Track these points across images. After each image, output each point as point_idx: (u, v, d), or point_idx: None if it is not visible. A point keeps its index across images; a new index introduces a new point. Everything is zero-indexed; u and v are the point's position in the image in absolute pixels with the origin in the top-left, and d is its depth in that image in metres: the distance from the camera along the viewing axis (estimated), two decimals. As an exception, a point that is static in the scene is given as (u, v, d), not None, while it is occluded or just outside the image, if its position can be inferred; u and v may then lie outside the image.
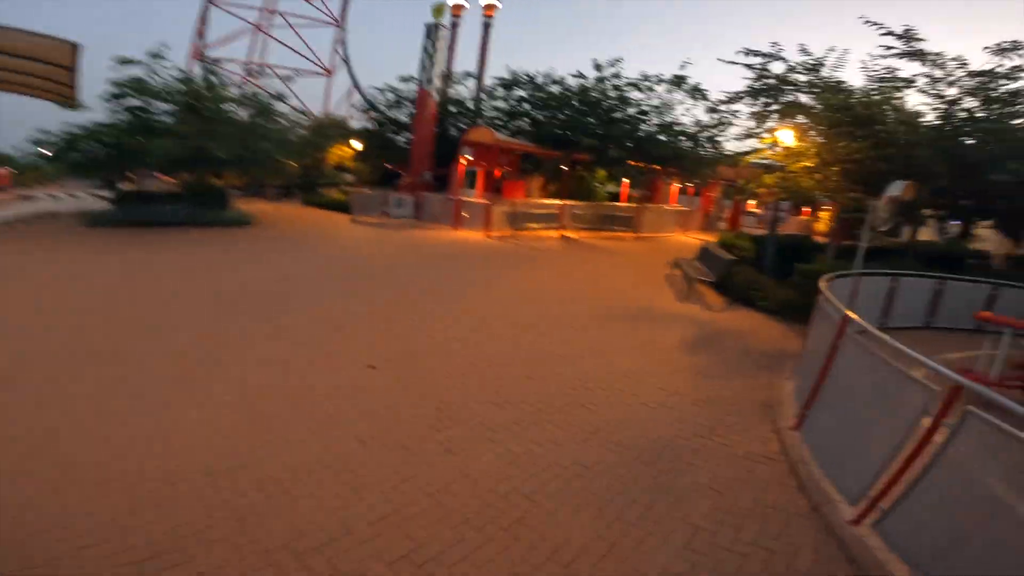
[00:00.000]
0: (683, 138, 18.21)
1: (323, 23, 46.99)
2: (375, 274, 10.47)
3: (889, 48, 10.18)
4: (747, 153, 13.10)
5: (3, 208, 15.74)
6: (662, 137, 17.99)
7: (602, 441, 4.54)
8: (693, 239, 21.61)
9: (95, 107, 14.04)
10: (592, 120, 17.93)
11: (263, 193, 24.77)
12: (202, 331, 6.43)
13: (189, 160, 14.18)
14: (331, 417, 4.54)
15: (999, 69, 9.48)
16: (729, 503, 3.81)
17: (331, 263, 11.28)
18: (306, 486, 3.55)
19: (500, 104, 22.07)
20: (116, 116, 13.97)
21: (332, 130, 26.85)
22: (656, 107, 18.14)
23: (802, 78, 10.80)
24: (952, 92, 10.16)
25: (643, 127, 18.22)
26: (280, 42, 45.70)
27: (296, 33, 45.92)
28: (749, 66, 11.19)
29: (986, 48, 9.19)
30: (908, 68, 10.10)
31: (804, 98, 10.65)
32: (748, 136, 12.32)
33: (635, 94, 18.22)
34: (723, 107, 13.07)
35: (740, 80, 11.40)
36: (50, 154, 14.17)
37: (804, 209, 29.89)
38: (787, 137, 10.33)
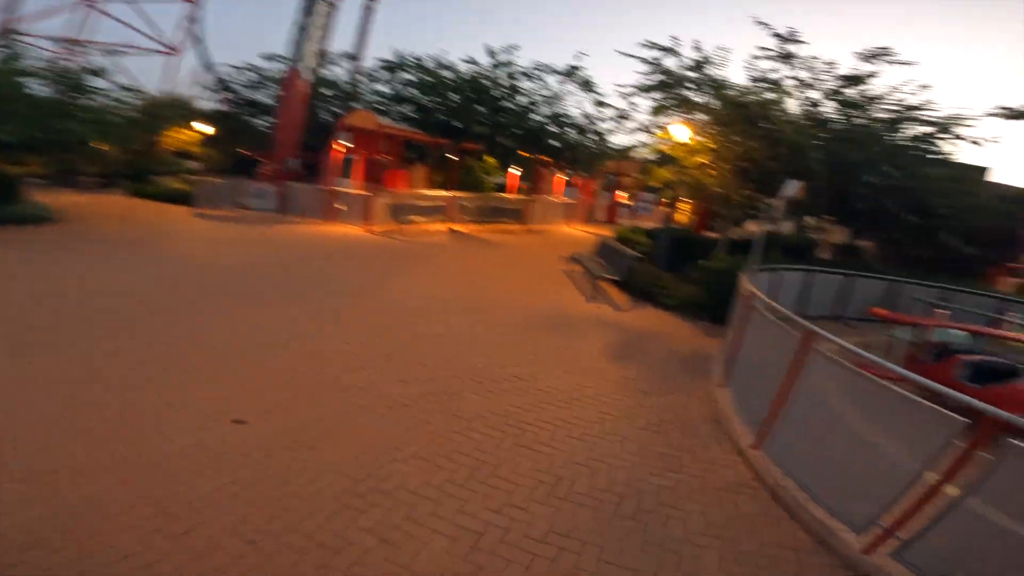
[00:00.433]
0: (572, 129, 18.15)
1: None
2: (222, 286, 8.13)
3: (764, 49, 10.74)
4: (636, 147, 13.25)
5: None
6: (553, 128, 17.74)
7: (566, 496, 3.79)
8: (580, 232, 21.94)
9: None
10: (482, 108, 17.07)
11: (76, 183, 20.09)
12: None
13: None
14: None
15: (853, 74, 10.39)
16: (733, 550, 3.39)
17: (162, 271, 8.63)
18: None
19: (383, 88, 20.28)
20: None
21: (170, 111, 22.69)
22: (547, 97, 17.81)
23: (691, 74, 11.02)
24: (815, 95, 11.02)
25: (534, 116, 17.80)
26: (114, 17, 38.18)
27: (134, 8, 38.45)
28: (643, 59, 11.18)
29: (856, 53, 10.04)
30: (784, 70, 10.55)
31: (695, 95, 10.87)
32: (640, 130, 12.43)
33: (527, 83, 17.73)
34: (623, 100, 13.02)
35: (635, 74, 11.34)
36: None
37: (663, 200, 32.36)
38: (681, 132, 10.45)
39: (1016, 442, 2.69)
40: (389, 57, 19.10)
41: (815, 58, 10.15)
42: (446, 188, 18.87)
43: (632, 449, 4.56)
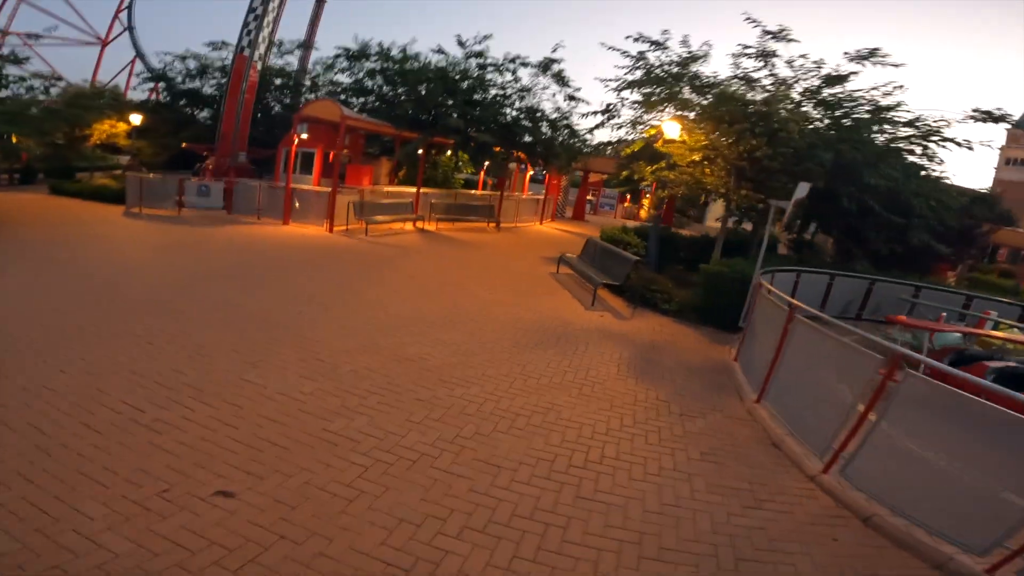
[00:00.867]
0: (546, 124, 17.61)
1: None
2: (158, 300, 6.87)
3: (746, 47, 10.58)
4: (616, 143, 12.92)
5: None
6: (526, 123, 17.11)
7: (657, 556, 3.26)
8: (554, 230, 21.49)
9: None
10: (452, 101, 16.20)
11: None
12: None
13: None
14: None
15: (834, 73, 10.39)
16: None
17: (82, 285, 7.25)
18: None
19: (342, 78, 18.99)
20: None
21: (95, 101, 20.48)
22: (520, 90, 17.16)
23: (676, 70, 10.73)
24: (795, 95, 10.98)
25: (507, 110, 17.12)
26: (40, 8, 34.72)
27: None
28: (625, 53, 10.81)
29: (845, 54, 10.02)
30: (768, 68, 10.42)
31: (687, 91, 10.59)
32: (625, 126, 12.07)
33: (500, 77, 16.98)
34: (613, 95, 12.62)
35: (620, 69, 10.96)
36: None
37: (626, 197, 32.46)
38: (672, 129, 10.13)
39: None
40: (350, 45, 17.82)
41: (803, 56, 10.05)
42: (411, 184, 17.92)
43: (700, 487, 4.12)
